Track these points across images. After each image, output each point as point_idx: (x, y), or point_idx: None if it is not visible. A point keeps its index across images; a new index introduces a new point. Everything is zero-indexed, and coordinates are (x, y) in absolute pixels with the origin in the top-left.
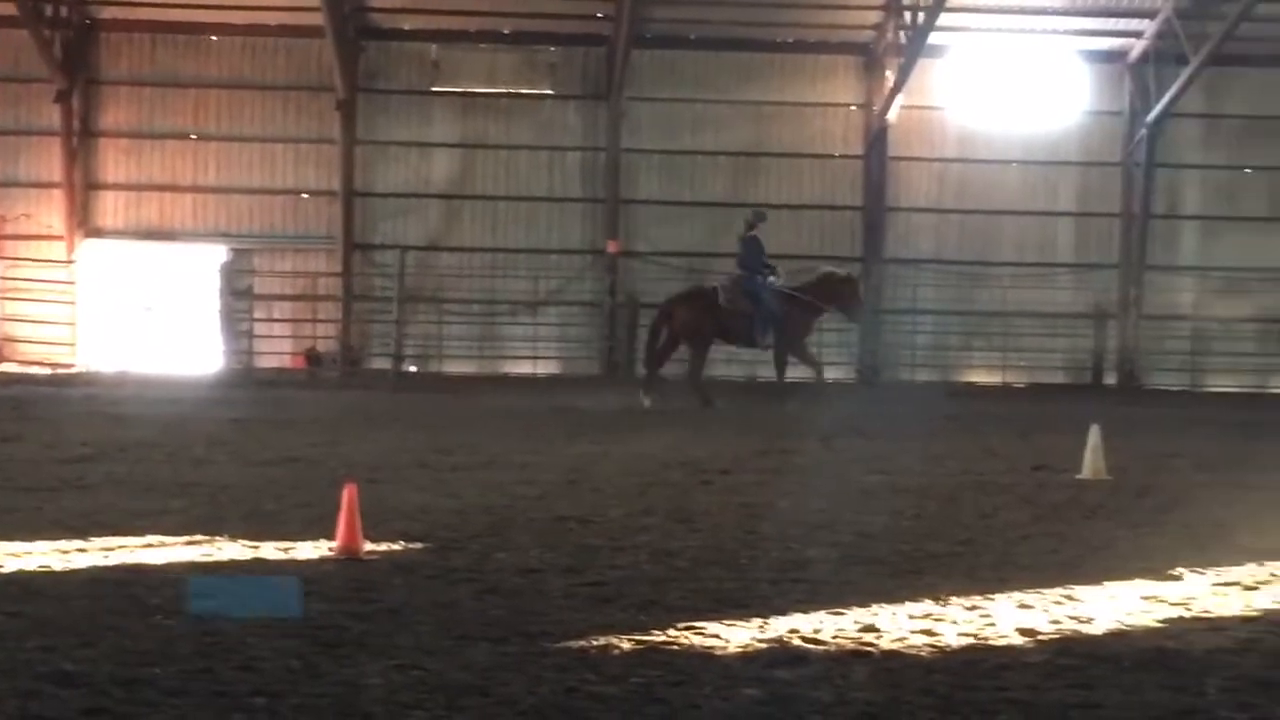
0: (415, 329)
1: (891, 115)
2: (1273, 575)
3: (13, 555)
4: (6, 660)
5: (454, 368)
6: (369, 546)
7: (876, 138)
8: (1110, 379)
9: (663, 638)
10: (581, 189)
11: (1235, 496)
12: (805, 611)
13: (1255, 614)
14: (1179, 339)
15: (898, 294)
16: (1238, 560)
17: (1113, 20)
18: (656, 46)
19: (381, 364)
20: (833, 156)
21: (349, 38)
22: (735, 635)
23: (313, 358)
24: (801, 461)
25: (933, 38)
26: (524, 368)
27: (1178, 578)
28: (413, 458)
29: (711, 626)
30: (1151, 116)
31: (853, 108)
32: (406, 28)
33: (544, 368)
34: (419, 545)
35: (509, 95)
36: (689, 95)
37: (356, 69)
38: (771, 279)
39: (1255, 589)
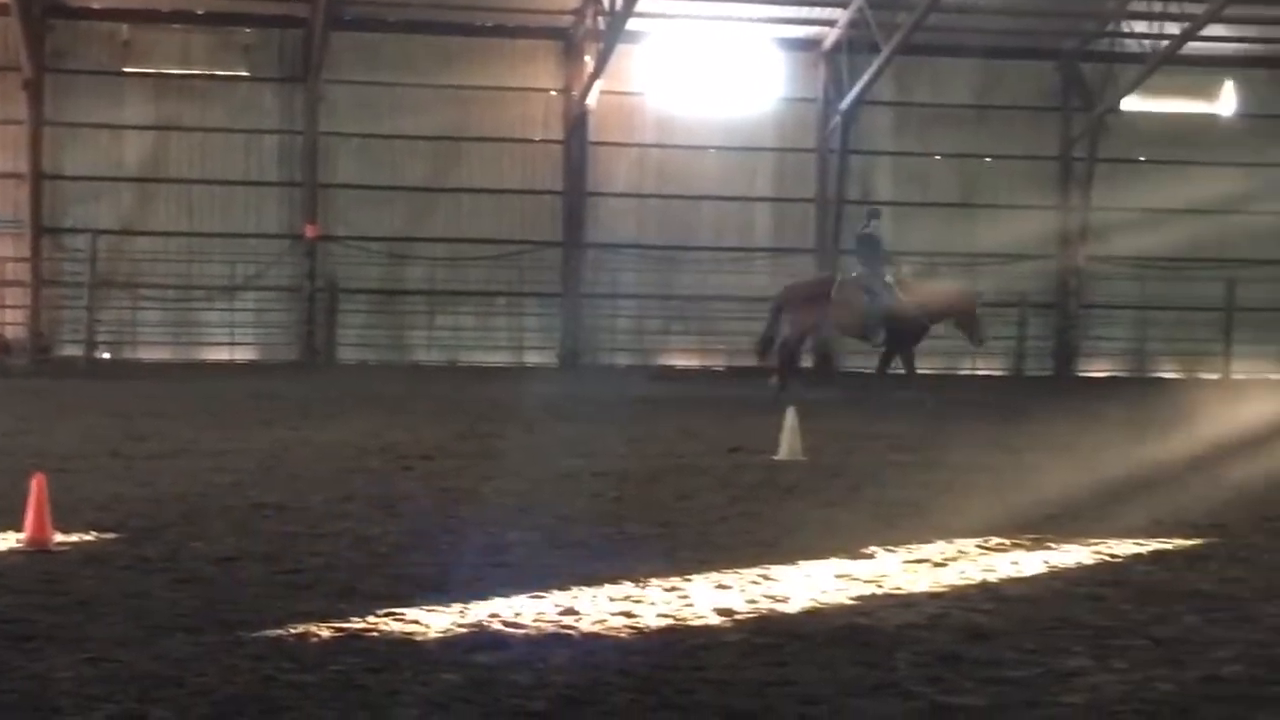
0: (108, 315)
1: (591, 100)
2: (961, 552)
3: None
4: None
5: (149, 354)
6: (59, 538)
7: (576, 123)
8: (807, 362)
9: (362, 625)
10: (279, 173)
11: (926, 475)
12: (506, 596)
13: (943, 590)
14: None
15: (598, 278)
16: (928, 538)
17: (807, 9)
18: (355, 29)
19: (73, 351)
20: (533, 141)
21: (35, 16)
22: (436, 621)
23: (1, 345)
24: (502, 446)
25: (631, 24)
26: (221, 354)
27: (870, 556)
28: (105, 446)
29: (412, 612)
30: (845, 104)
31: (553, 93)
32: (95, 6)
33: (242, 354)
34: (111, 535)
35: (203, 77)
36: (388, 79)
37: (44, 48)
38: (889, 278)
39: (944, 565)
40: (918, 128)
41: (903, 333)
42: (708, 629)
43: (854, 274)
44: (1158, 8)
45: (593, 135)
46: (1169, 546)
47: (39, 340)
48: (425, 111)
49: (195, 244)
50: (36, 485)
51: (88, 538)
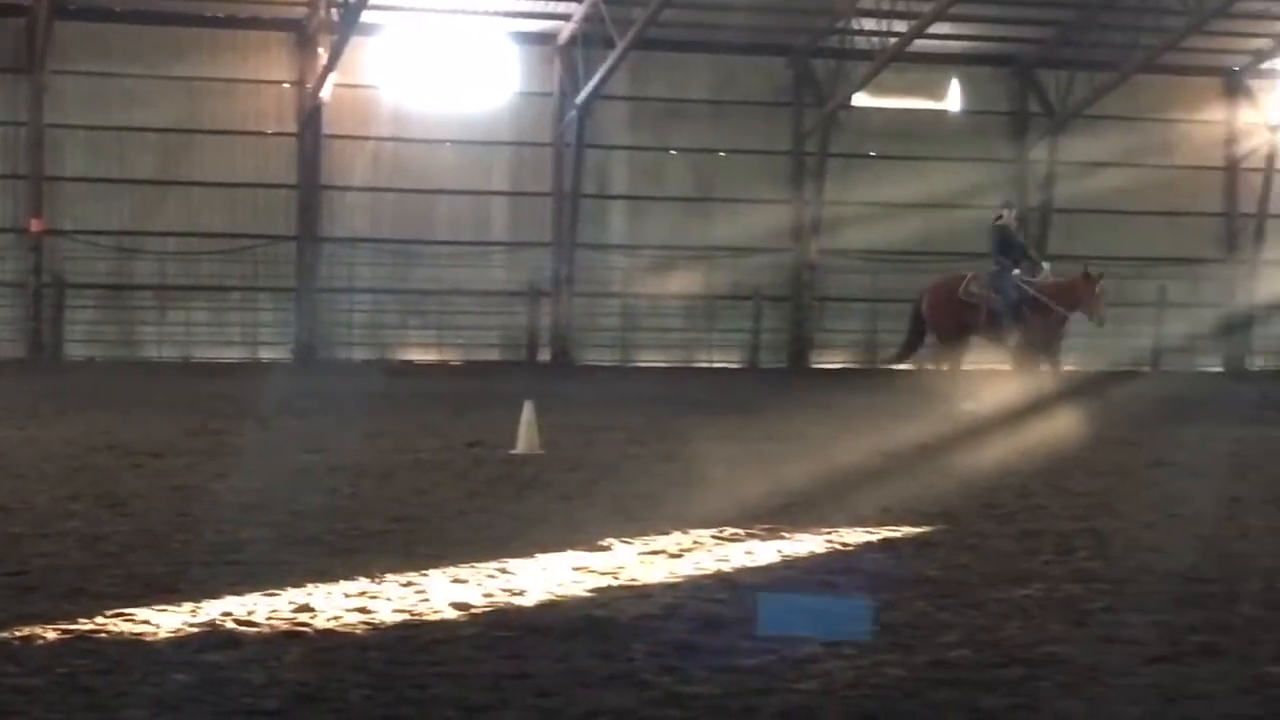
0: None
1: (325, 93)
2: (696, 543)
3: None
4: None
5: None
6: None
7: (310, 115)
8: (545, 355)
9: (90, 626)
10: (2, 165)
11: (663, 468)
12: (239, 594)
13: (679, 580)
14: (610, 315)
15: (333, 273)
16: (664, 529)
17: (542, 2)
18: (81, 19)
19: None
20: (266, 134)
21: None
22: (166, 620)
23: None
24: (236, 442)
25: (366, 16)
26: None
27: (607, 548)
28: None
29: (141, 613)
30: (580, 98)
31: (286, 85)
32: None
33: None
34: None
35: None
36: (117, 70)
37: None
38: (1016, 271)
39: (680, 556)
40: (653, 122)
41: (1041, 328)
42: (444, 624)
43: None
44: (885, 5)
45: (327, 128)
46: (898, 534)
47: None
48: (155, 103)
49: None
50: None
51: None
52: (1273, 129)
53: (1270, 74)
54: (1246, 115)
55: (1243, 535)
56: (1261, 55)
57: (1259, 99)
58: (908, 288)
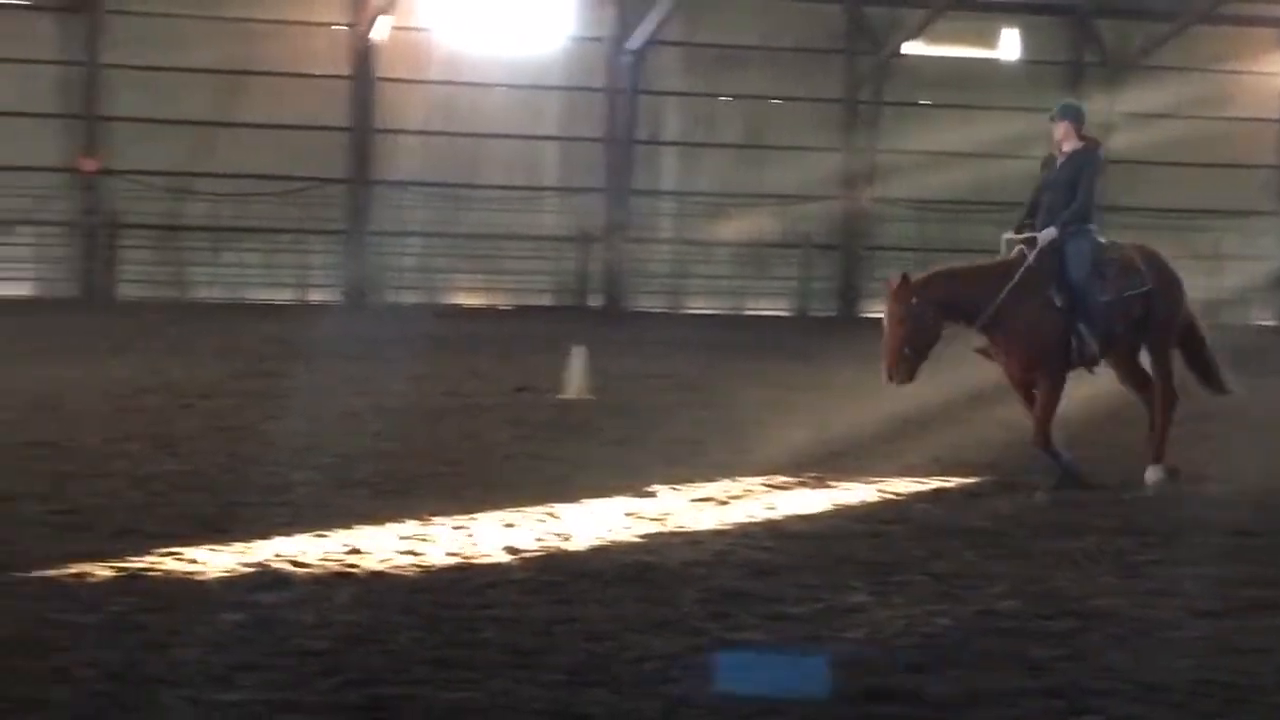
0: None
1: (378, 35)
2: (745, 490)
3: None
4: None
5: None
6: None
7: (363, 58)
8: (595, 301)
9: (141, 564)
10: (57, 104)
11: (712, 414)
12: (289, 535)
13: (728, 527)
14: (660, 262)
15: (385, 216)
16: (713, 476)
17: None
18: None
19: None
20: (318, 76)
21: None
22: (217, 560)
23: None
24: (286, 384)
25: None
26: None
27: (655, 494)
28: None
29: (192, 552)
30: (634, 43)
31: (339, 27)
32: None
33: (18, 290)
34: None
35: None
36: (172, 10)
37: None
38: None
39: (728, 503)
40: (706, 69)
41: None
42: (493, 567)
43: None
44: None
45: (380, 71)
46: (948, 485)
47: None
48: (209, 44)
49: None
50: None
51: None
52: None
53: None
54: None
55: None
56: None
57: None
58: (958, 237)
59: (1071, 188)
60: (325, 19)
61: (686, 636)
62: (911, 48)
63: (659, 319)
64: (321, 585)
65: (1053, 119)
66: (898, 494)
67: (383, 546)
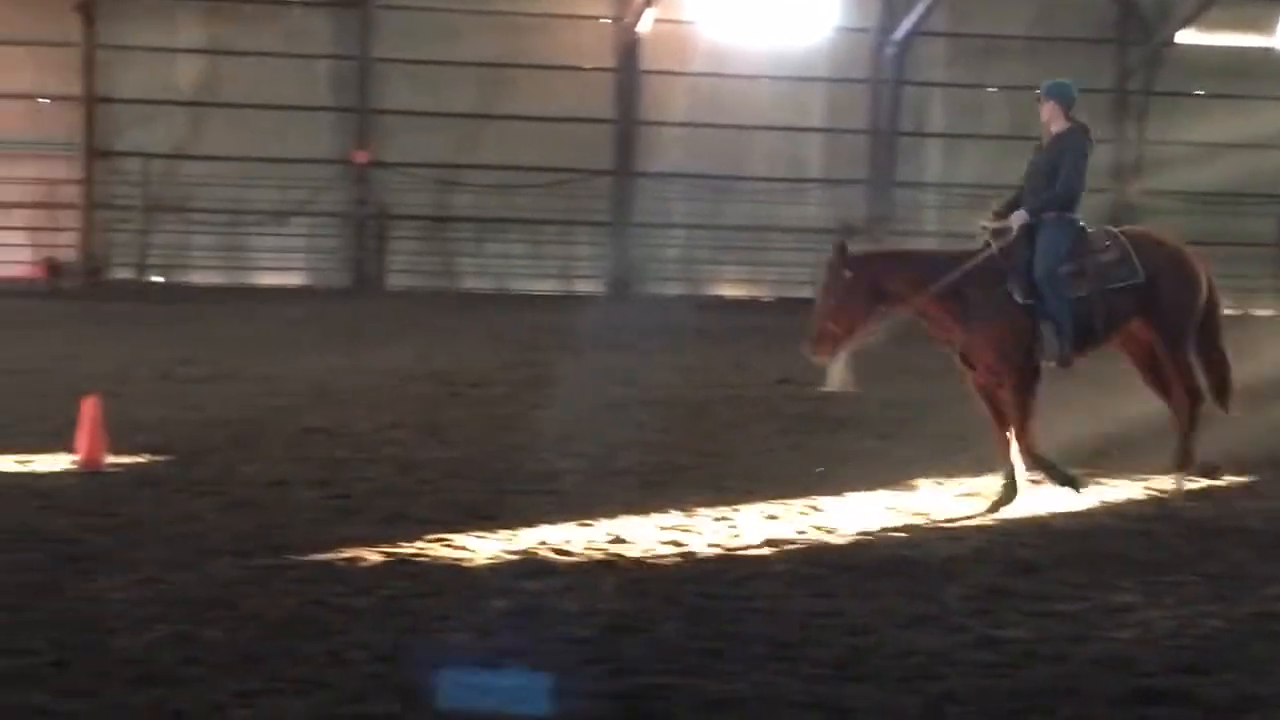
0: (160, 239)
1: (643, 28)
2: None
3: None
4: None
5: (200, 278)
6: (111, 459)
7: (628, 50)
8: None
9: (411, 550)
10: (331, 98)
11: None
12: (554, 523)
13: (992, 523)
14: None
15: (648, 208)
16: (977, 471)
17: None
18: None
19: (125, 274)
20: (583, 69)
21: None
22: (484, 547)
23: (53, 267)
24: (551, 374)
25: None
26: (272, 279)
27: (918, 488)
28: (155, 370)
29: (460, 538)
30: (899, 34)
31: (604, 20)
32: None
33: (292, 279)
34: (162, 458)
35: (257, 0)
36: (442, 4)
37: None
38: None
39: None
40: (971, 59)
41: None
42: (756, 559)
43: None
44: None
45: (644, 63)
46: (1219, 482)
47: (91, 263)
48: (476, 38)
49: (247, 168)
50: (89, 407)
51: (139, 460)
52: None
53: None
54: None
55: None
56: None
57: None
58: (1229, 230)
59: (1054, 173)
60: (591, 12)
61: (950, 632)
62: (1184, 36)
63: None
64: (586, 574)
65: (1039, 99)
66: (1166, 491)
67: (646, 536)
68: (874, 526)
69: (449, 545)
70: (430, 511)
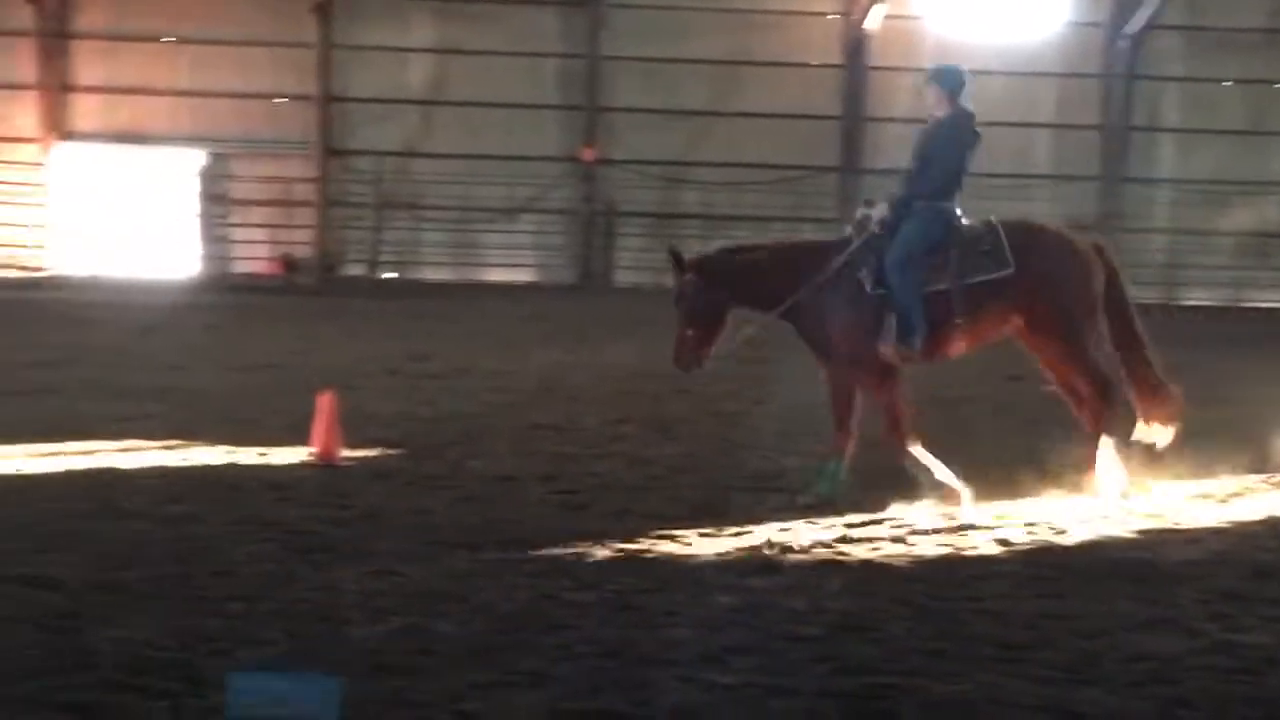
0: (392, 235)
1: (871, 24)
2: (1245, 488)
3: None
4: None
5: (431, 274)
6: (345, 453)
7: (855, 47)
8: None
9: (638, 545)
10: (559, 96)
11: (1209, 413)
12: (780, 520)
13: (1227, 526)
14: (1154, 252)
15: None
16: (1212, 473)
17: None
18: None
19: (358, 270)
20: (811, 66)
21: None
22: (710, 544)
23: (289, 264)
24: (775, 371)
25: None
26: (500, 275)
27: (1152, 490)
28: (388, 365)
29: (687, 534)
30: (1132, 28)
31: (832, 16)
32: None
33: (520, 275)
34: (394, 452)
35: (487, 0)
36: (670, 2)
37: None
38: None
39: (1227, 502)
40: (1207, 52)
41: None
42: (983, 559)
43: None
44: None
45: (871, 60)
46: None
47: (325, 260)
48: (706, 36)
49: (476, 166)
50: (325, 402)
51: (372, 454)
52: None
53: None
54: None
55: None
56: None
57: None
58: None
59: (929, 160)
60: (820, 9)
61: (1184, 637)
62: None
63: (1151, 311)
64: (812, 572)
65: (925, 82)
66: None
67: (873, 535)
68: (1105, 528)
69: (676, 541)
70: (656, 507)
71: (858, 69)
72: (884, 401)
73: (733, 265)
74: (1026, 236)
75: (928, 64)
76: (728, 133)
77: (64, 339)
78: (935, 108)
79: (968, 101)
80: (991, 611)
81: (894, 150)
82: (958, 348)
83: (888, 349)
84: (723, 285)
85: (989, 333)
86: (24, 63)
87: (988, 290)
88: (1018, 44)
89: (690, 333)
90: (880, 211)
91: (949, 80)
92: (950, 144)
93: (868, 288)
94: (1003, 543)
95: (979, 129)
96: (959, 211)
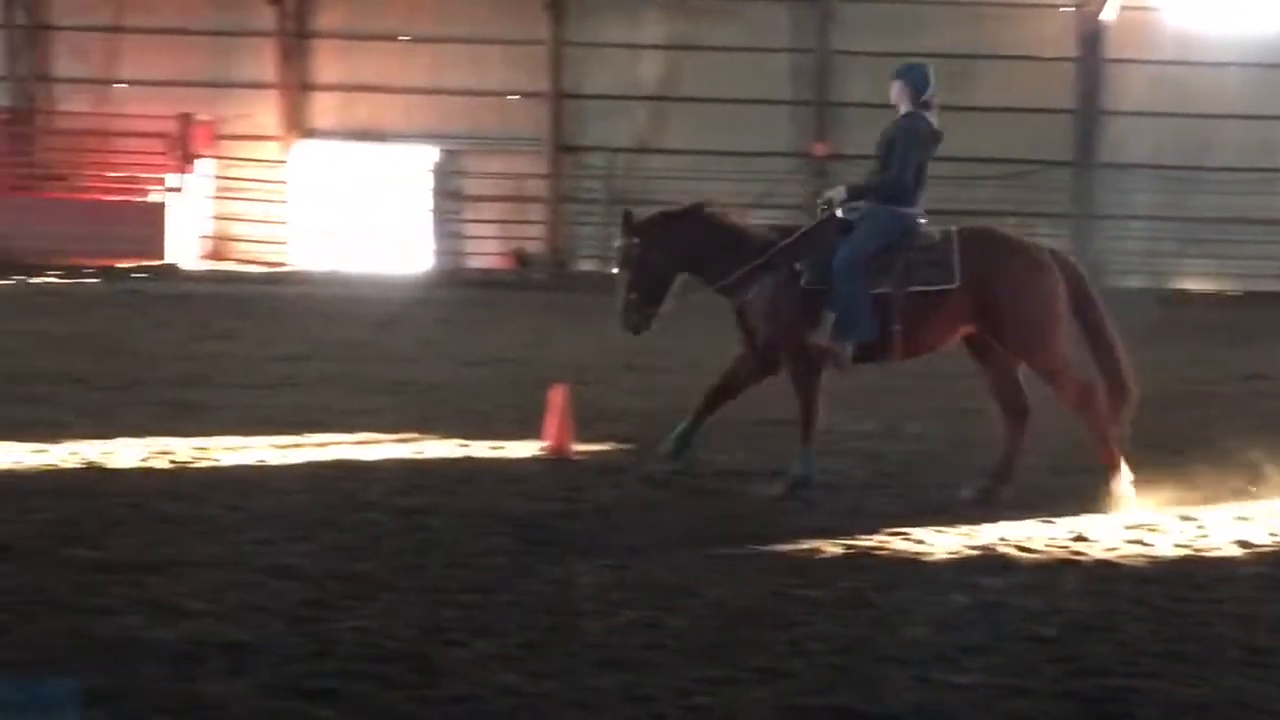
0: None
1: (1107, 16)
2: None
3: (230, 451)
4: (227, 553)
5: None
6: (577, 447)
7: (1091, 39)
8: None
9: (870, 543)
10: (789, 91)
11: None
12: (1014, 519)
13: None
14: None
15: (1110, 200)
16: None
17: None
18: None
19: (589, 266)
20: (1044, 59)
21: None
22: (943, 542)
23: (521, 259)
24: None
25: None
26: None
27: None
28: (620, 360)
29: (919, 533)
30: None
31: (1067, 9)
32: None
33: None
34: (626, 447)
35: None
36: None
37: None
38: None
39: None
40: None
41: None
42: (1225, 561)
43: None
44: None
45: (1108, 52)
46: None
47: (557, 255)
48: (937, 29)
49: (706, 162)
50: (558, 396)
51: (604, 449)
52: None
53: None
54: None
55: None
56: None
57: None
58: None
59: (887, 160)
60: (1054, 1)
61: None
62: None
63: None
64: (1047, 572)
65: (892, 77)
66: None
67: (1109, 535)
68: None
69: (908, 539)
70: (889, 505)
71: (1093, 62)
72: (801, 394)
73: (678, 232)
74: (981, 249)
75: (1163, 54)
76: (959, 127)
77: (303, 333)
78: (898, 105)
79: (932, 104)
80: (1234, 614)
81: (1131, 144)
82: (896, 353)
83: (822, 345)
84: (668, 251)
85: (933, 341)
86: (266, 62)
87: (929, 301)
88: (1258, 34)
89: (634, 296)
90: (838, 195)
91: (910, 77)
92: (908, 148)
93: (803, 280)
94: (1244, 544)
95: (939, 129)
96: (920, 216)
